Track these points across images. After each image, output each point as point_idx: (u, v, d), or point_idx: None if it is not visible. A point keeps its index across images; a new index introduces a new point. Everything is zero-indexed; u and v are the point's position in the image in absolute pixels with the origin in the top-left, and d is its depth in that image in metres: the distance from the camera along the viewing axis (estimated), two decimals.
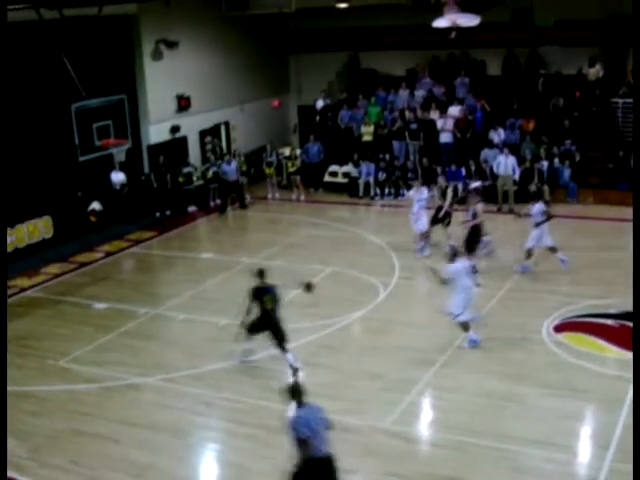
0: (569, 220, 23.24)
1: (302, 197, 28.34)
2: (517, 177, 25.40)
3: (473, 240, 19.81)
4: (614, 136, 26.69)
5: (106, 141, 23.86)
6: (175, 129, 28.09)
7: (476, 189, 21.80)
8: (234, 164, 27.35)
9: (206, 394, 14.25)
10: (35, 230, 23.32)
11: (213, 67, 29.66)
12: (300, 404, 10.04)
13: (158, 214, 26.55)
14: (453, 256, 15.40)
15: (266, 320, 14.74)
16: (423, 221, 21.26)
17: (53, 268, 21.93)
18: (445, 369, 14.69)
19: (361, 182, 27.85)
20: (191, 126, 28.77)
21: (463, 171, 26.52)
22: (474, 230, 19.92)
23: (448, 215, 21.50)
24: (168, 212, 26.68)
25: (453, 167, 26.56)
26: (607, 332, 15.78)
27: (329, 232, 22.92)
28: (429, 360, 14.97)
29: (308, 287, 15.12)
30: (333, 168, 29.50)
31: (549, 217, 19.12)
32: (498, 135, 27.01)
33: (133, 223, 25.29)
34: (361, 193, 27.94)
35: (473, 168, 26.53)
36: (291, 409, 9.99)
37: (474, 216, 20.01)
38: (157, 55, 27.12)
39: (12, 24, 20.82)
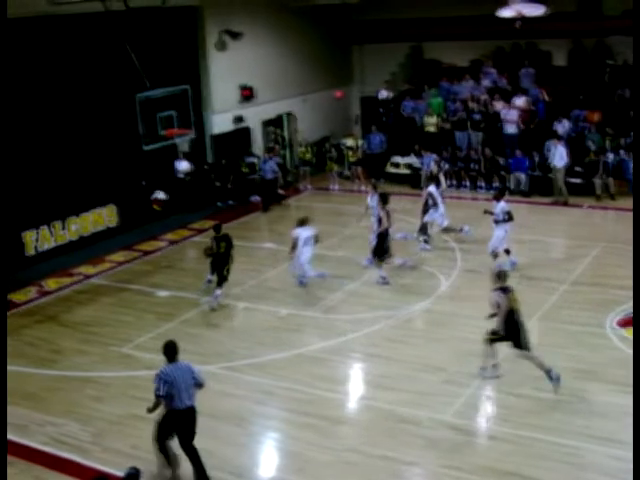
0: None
1: (363, 188, 28.26)
2: (561, 165, 25.00)
3: (380, 247, 18.94)
4: None
5: (170, 131, 24.06)
6: (238, 119, 28.22)
7: (383, 195, 19.96)
8: (270, 162, 27.30)
9: (267, 383, 14.31)
10: (100, 218, 23.65)
11: (276, 58, 29.71)
12: (170, 361, 10.91)
13: (220, 204, 26.71)
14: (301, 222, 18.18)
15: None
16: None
17: (117, 256, 22.21)
18: (507, 363, 14.49)
19: (423, 173, 27.66)
20: (254, 116, 28.89)
21: (526, 162, 26.17)
22: (381, 237, 18.96)
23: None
24: (231, 202, 26.82)
25: (518, 153, 26.25)
26: None
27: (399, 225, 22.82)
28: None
29: None
30: (395, 159, 29.37)
31: (510, 218, 18.83)
32: (562, 126, 26.62)
33: (196, 212, 25.48)
34: (423, 184, 27.74)
35: (537, 159, 26.19)
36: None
37: (379, 222, 18.98)
38: (221, 46, 27.25)
39: (79, 15, 21.21)
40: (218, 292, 18.02)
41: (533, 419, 12.54)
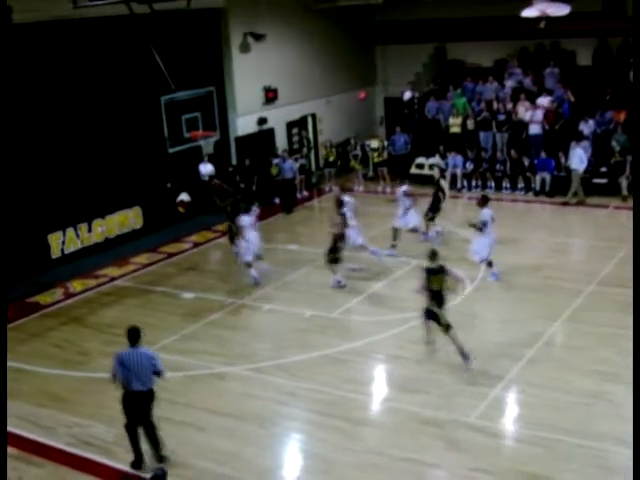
0: None
1: (388, 189, 28.23)
2: (582, 169, 24.89)
3: (334, 249, 18.96)
4: None
5: (194, 133, 24.13)
6: (262, 121, 28.27)
7: (338, 199, 20.43)
8: (290, 162, 27.31)
9: (291, 384, 14.33)
10: (125, 220, 23.78)
11: (300, 59, 29.74)
12: (132, 345, 11.58)
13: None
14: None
15: None
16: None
17: (142, 258, 22.33)
18: (532, 364, 14.48)
19: (448, 174, 27.59)
20: (278, 118, 28.93)
21: (552, 162, 26.05)
22: (335, 239, 19.04)
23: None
24: (256, 204, 26.77)
25: (543, 154, 26.14)
26: None
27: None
28: (516, 355, 14.78)
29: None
30: (420, 160, 29.31)
31: (482, 227, 18.55)
32: (588, 127, 26.47)
33: (220, 214, 25.48)
34: (448, 185, 27.66)
35: (563, 160, 26.04)
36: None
37: (337, 225, 19.31)
38: (245, 47, 27.33)
39: (104, 19, 21.31)
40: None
41: (559, 421, 12.47)
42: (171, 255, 22.43)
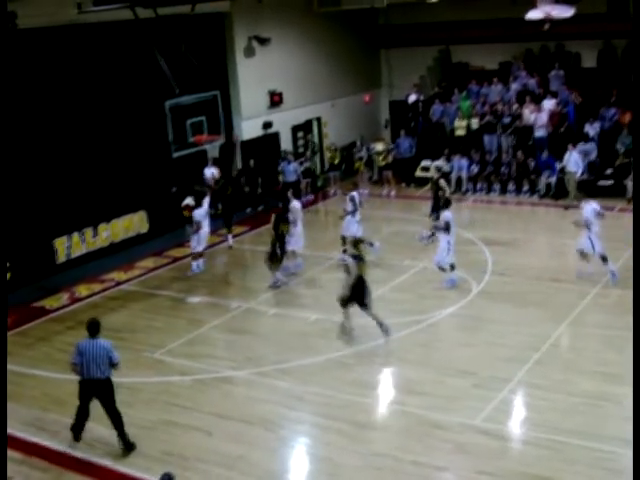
0: None
1: (393, 192, 28.24)
2: (578, 172, 24.93)
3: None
4: None
5: (199, 137, 24.13)
6: (267, 125, 28.31)
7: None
8: (293, 164, 27.26)
9: (297, 388, 14.32)
10: (131, 225, 23.79)
11: (304, 63, 29.78)
12: (91, 336, 12.51)
13: (249, 209, 26.77)
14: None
15: None
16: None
17: (148, 262, 22.33)
18: (539, 367, 14.46)
19: (453, 177, 27.59)
20: (283, 122, 28.96)
21: (557, 165, 26.00)
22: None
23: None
24: (261, 207, 26.83)
25: (545, 154, 26.11)
26: None
27: (420, 228, 22.73)
28: (522, 358, 14.76)
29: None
30: (425, 163, 29.30)
31: (447, 229, 18.49)
32: (593, 128, 26.45)
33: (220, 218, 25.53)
34: (453, 188, 27.67)
35: (557, 165, 26.01)
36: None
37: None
38: (249, 51, 27.37)
39: (108, 23, 21.36)
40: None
41: (565, 423, 12.45)
42: (176, 259, 22.44)
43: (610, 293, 17.70)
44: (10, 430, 13.04)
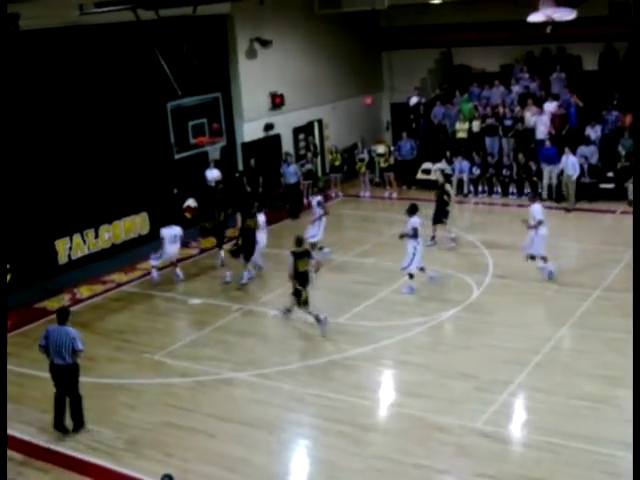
0: None
1: (394, 195, 28.24)
2: (575, 176, 25.01)
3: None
4: None
5: (200, 139, 24.19)
6: (269, 127, 28.31)
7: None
8: (293, 166, 27.23)
9: (298, 390, 14.33)
10: (132, 226, 23.77)
11: (306, 65, 29.79)
12: (60, 323, 13.13)
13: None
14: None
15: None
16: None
17: (149, 264, 22.28)
18: (539, 370, 14.48)
19: (454, 179, 27.59)
20: (285, 124, 28.97)
21: (556, 151, 25.93)
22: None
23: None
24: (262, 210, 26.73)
25: (547, 143, 26.12)
26: None
27: (421, 230, 22.69)
28: (523, 360, 14.77)
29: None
30: (426, 165, 29.31)
31: (415, 235, 18.58)
32: (595, 131, 26.46)
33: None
34: (454, 191, 27.64)
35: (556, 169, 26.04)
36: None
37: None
38: (251, 53, 27.38)
39: (110, 25, 21.40)
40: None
41: (566, 426, 12.46)
42: (178, 261, 22.32)
43: (612, 296, 17.71)
44: (11, 431, 13.09)
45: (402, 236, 18.73)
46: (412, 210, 18.88)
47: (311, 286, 16.88)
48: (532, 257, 19.02)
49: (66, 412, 13.32)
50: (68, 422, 13.36)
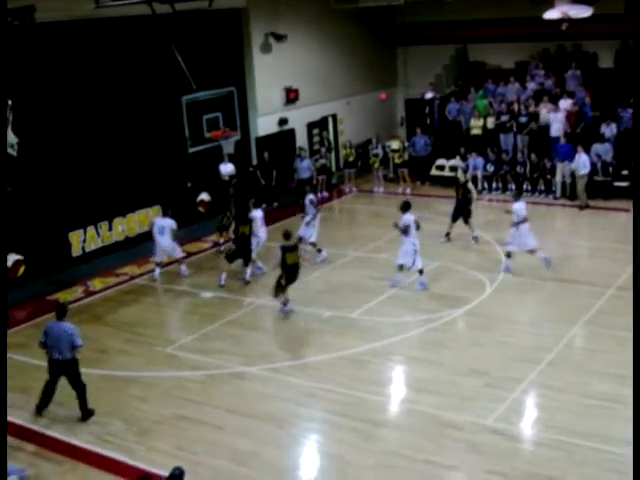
0: None
1: (408, 190, 28.18)
2: (586, 173, 24.90)
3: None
4: None
5: (215, 133, 24.18)
6: (283, 121, 28.30)
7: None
8: (307, 161, 27.22)
9: (309, 385, 14.34)
10: (146, 219, 23.75)
11: (321, 60, 29.76)
12: (58, 319, 13.34)
13: (264, 206, 26.73)
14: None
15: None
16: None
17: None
18: (551, 368, 14.43)
19: (468, 176, 27.48)
20: (299, 118, 28.96)
21: (571, 148, 25.80)
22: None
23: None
24: (275, 204, 26.79)
25: (562, 140, 25.98)
26: None
27: (435, 226, 22.63)
28: (535, 358, 14.73)
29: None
30: (440, 162, 29.26)
31: (405, 231, 18.53)
32: (610, 129, 26.34)
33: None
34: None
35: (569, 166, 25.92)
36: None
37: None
38: (266, 48, 27.37)
39: (125, 18, 21.42)
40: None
41: (577, 425, 12.43)
42: (191, 254, 22.45)
43: (625, 295, 17.60)
44: (23, 422, 13.17)
45: (396, 226, 18.71)
46: (405, 207, 18.86)
47: (299, 280, 17.23)
48: (531, 251, 19.00)
49: (52, 400, 13.73)
50: (76, 413, 13.42)
